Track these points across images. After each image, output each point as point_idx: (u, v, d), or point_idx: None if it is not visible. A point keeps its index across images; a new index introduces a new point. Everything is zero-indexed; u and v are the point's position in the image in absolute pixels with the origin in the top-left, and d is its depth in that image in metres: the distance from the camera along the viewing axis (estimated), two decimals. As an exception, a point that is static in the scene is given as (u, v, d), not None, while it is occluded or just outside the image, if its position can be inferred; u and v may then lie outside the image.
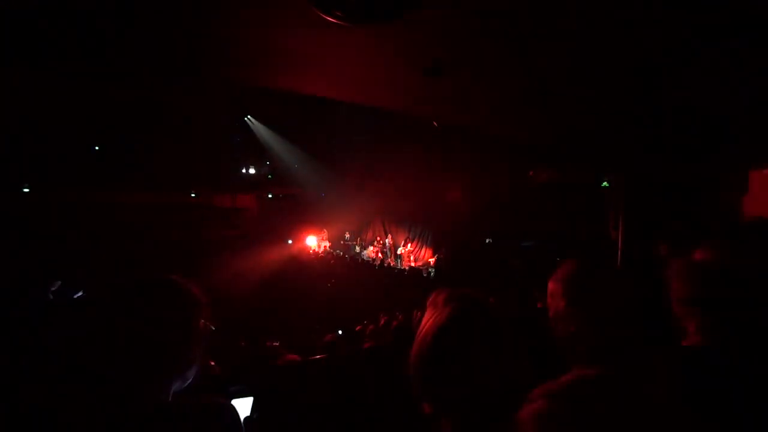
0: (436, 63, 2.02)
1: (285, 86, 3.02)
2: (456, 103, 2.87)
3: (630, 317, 0.89)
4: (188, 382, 0.85)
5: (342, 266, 11.68)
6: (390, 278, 10.14)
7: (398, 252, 12.94)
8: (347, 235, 14.94)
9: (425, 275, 10.91)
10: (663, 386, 0.80)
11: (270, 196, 16.53)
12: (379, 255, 13.35)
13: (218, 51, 2.22)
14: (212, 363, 2.05)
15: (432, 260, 11.98)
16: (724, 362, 0.93)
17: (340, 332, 4.07)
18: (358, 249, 14.47)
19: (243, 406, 1.48)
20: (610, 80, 2.14)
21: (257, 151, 14.53)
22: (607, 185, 10.08)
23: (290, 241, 13.73)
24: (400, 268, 11.82)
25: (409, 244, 13.01)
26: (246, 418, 1.46)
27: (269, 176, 15.54)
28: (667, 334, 1.08)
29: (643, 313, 0.94)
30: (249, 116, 13.74)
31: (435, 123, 5.89)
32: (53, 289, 4.04)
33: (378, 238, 14.12)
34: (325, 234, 14.85)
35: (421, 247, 13.05)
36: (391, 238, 13.77)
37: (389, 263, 12.51)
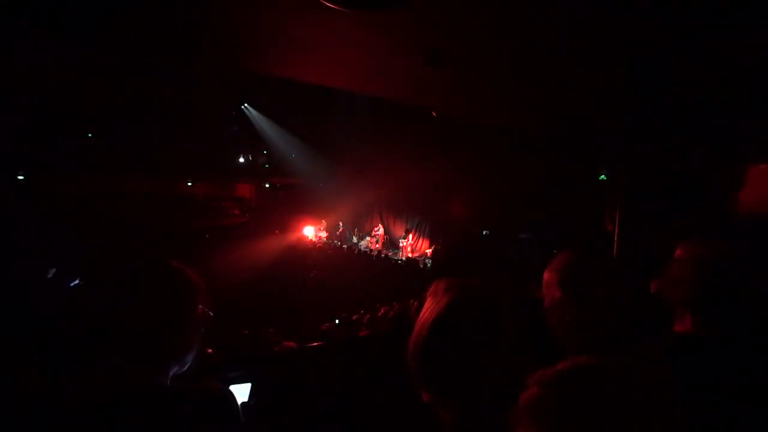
0: (436, 51, 1.99)
1: (284, 73, 2.99)
2: (455, 92, 2.85)
3: (625, 307, 0.90)
4: (186, 366, 0.85)
5: (340, 256, 11.69)
6: (387, 269, 10.18)
7: (396, 243, 12.95)
8: (340, 224, 14.94)
9: (422, 266, 10.95)
10: (657, 374, 0.81)
11: (267, 185, 16.42)
12: (377, 245, 13.37)
13: (217, 37, 2.19)
14: (210, 351, 2.06)
15: (429, 251, 12.02)
16: (717, 351, 0.95)
17: (337, 321, 4.10)
18: (356, 239, 14.45)
19: (241, 392, 1.50)
20: (607, 70, 2.13)
21: (254, 140, 14.37)
22: (605, 178, 10.08)
23: (288, 231, 13.70)
24: (398, 259, 11.86)
25: (410, 236, 13.02)
26: (243, 404, 1.47)
27: (266, 165, 15.41)
28: (661, 324, 1.10)
29: (638, 303, 0.94)
30: (246, 105, 13.56)
31: (434, 113, 5.84)
32: (49, 276, 4.04)
33: (376, 229, 14.13)
34: (323, 224, 14.83)
35: (418, 238, 13.07)
36: (389, 228, 13.77)
37: (387, 254, 12.54)
